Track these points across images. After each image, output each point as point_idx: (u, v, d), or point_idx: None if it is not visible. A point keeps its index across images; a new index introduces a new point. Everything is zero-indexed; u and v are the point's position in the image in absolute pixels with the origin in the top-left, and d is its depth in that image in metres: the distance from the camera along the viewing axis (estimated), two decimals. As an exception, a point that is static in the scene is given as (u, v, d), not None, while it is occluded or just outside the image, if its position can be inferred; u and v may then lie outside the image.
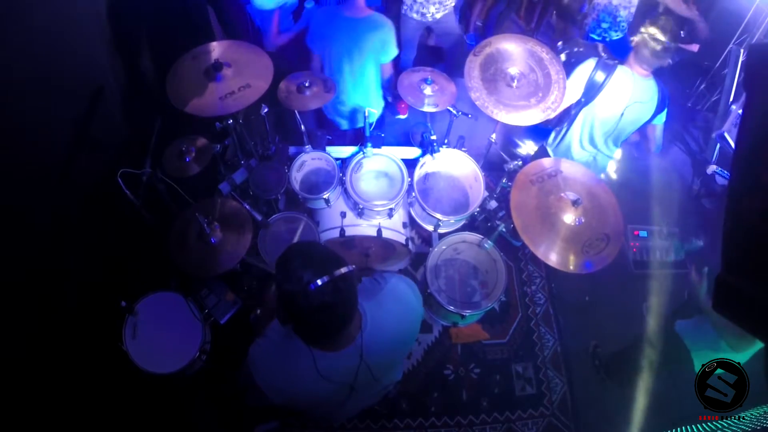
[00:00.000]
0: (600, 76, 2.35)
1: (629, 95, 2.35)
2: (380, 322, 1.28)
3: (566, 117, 2.59)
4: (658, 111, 2.42)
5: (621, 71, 2.35)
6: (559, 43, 3.32)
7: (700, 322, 2.16)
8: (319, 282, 1.05)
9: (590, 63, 2.39)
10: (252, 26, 3.20)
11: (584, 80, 2.38)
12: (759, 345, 1.85)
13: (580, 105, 2.46)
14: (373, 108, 2.79)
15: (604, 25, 3.28)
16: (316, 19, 2.61)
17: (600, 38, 3.31)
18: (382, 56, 2.62)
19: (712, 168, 3.07)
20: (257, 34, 3.16)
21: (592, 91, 2.38)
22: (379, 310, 1.30)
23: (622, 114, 2.39)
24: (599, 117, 2.46)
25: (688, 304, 2.39)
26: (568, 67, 2.44)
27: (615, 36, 3.29)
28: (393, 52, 2.64)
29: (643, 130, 2.55)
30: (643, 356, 2.32)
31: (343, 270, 1.09)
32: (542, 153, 2.86)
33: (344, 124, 3.00)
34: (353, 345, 1.23)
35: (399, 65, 3.52)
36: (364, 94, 2.77)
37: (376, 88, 2.81)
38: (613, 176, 3.25)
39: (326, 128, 3.10)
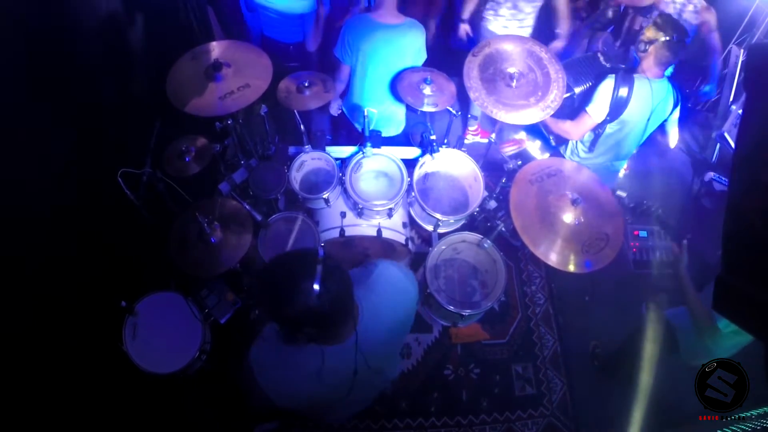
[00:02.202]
0: (624, 91, 2.34)
1: (651, 100, 2.36)
2: (374, 308, 1.27)
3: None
4: (674, 108, 2.45)
5: (638, 80, 2.34)
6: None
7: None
8: (316, 289, 1.04)
9: (609, 82, 2.36)
10: (283, 48, 3.12)
11: (609, 100, 2.36)
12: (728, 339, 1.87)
13: (604, 122, 2.45)
14: (399, 112, 2.84)
15: None
16: (350, 30, 2.55)
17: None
18: (417, 61, 2.65)
19: (709, 175, 3.08)
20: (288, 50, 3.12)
21: (618, 107, 2.37)
22: (372, 296, 1.29)
23: (649, 119, 2.41)
24: (629, 128, 2.45)
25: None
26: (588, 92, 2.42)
27: None
28: (425, 55, 2.67)
29: (661, 127, 2.57)
30: (641, 351, 2.33)
31: (330, 263, 1.09)
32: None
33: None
34: (354, 334, 1.22)
35: None
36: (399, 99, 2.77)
37: None
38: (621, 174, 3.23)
39: (344, 130, 3.09)
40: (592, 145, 2.61)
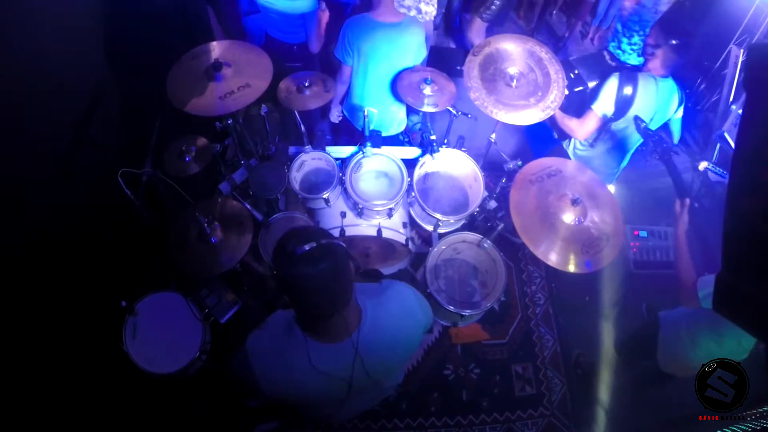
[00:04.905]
0: (628, 89, 2.35)
1: (656, 98, 2.37)
2: (380, 321, 1.28)
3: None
4: (678, 106, 2.47)
5: (642, 78, 2.35)
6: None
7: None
8: (306, 247, 1.06)
9: (613, 80, 2.38)
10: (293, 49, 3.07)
11: (614, 98, 2.38)
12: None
13: (610, 120, 2.46)
14: (400, 111, 2.82)
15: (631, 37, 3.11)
16: (351, 30, 2.53)
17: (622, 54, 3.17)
18: (418, 58, 2.65)
19: (704, 164, 3.05)
20: (299, 51, 3.07)
21: (624, 105, 2.37)
22: (380, 310, 1.29)
23: (652, 119, 2.41)
24: (633, 126, 2.45)
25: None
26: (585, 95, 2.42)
27: (632, 58, 3.15)
28: (425, 52, 2.67)
29: (665, 125, 2.58)
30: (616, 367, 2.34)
31: (331, 240, 1.11)
32: (561, 154, 2.85)
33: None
34: (349, 339, 1.22)
35: None
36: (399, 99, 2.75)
37: None
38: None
39: (344, 131, 3.09)
40: (594, 141, 2.61)
